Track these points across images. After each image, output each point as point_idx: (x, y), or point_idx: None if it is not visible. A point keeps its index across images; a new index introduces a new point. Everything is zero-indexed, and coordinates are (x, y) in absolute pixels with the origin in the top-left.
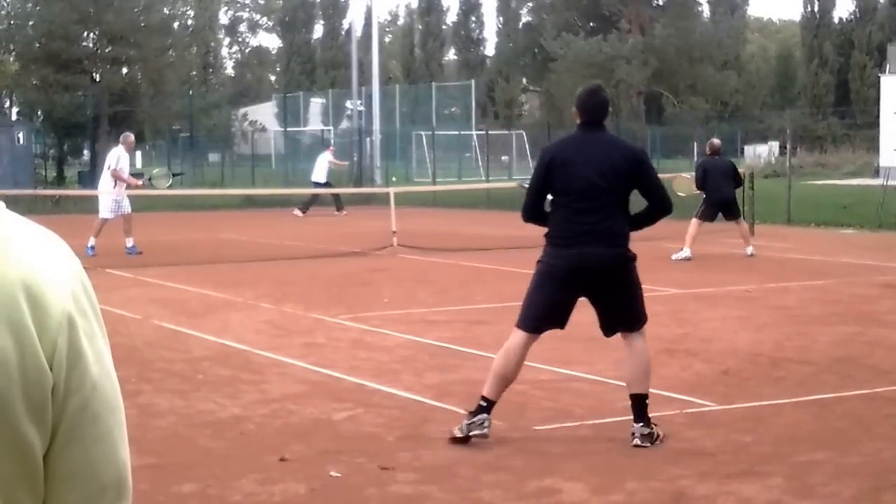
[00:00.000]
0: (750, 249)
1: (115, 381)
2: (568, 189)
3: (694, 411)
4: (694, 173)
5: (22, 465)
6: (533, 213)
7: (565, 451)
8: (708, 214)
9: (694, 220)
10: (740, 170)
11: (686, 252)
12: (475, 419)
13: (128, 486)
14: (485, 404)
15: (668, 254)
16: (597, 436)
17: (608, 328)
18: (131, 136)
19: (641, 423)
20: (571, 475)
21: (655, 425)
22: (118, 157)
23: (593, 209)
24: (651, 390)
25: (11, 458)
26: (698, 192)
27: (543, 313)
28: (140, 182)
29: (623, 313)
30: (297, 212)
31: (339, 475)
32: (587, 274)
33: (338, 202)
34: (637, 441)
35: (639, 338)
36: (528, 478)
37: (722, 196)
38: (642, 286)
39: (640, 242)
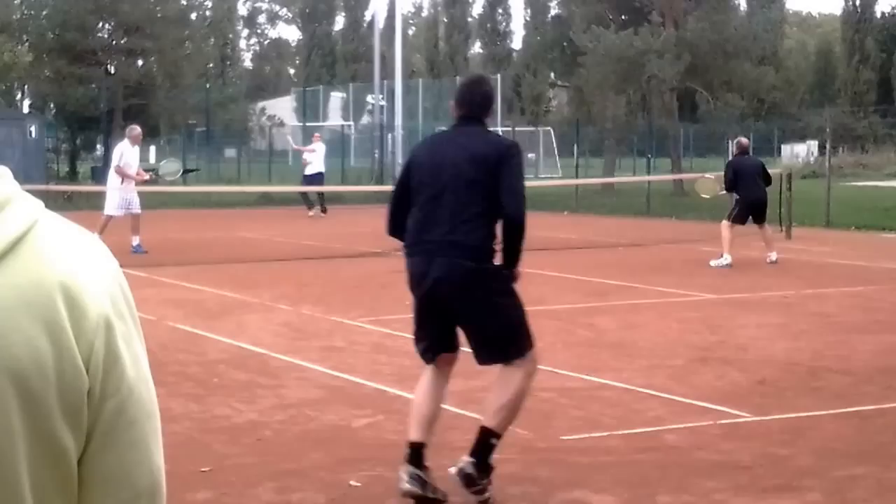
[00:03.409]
0: (773, 255)
1: (151, 385)
2: (420, 192)
3: (729, 422)
4: (722, 174)
5: (56, 469)
6: (392, 224)
7: (594, 463)
8: (741, 217)
9: (726, 224)
10: (776, 170)
11: (727, 259)
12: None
13: (162, 494)
14: (408, 450)
15: (701, 257)
16: (627, 446)
17: (476, 357)
18: (137, 129)
19: (472, 460)
20: (600, 487)
21: (489, 483)
22: (122, 153)
23: (443, 217)
24: (684, 399)
25: (45, 462)
26: (723, 193)
27: (420, 337)
28: (148, 176)
29: (487, 341)
30: (316, 212)
31: (358, 485)
32: (431, 291)
33: (307, 201)
34: (454, 472)
35: (515, 372)
36: (554, 490)
37: (756, 196)
38: (522, 306)
39: (669, 245)
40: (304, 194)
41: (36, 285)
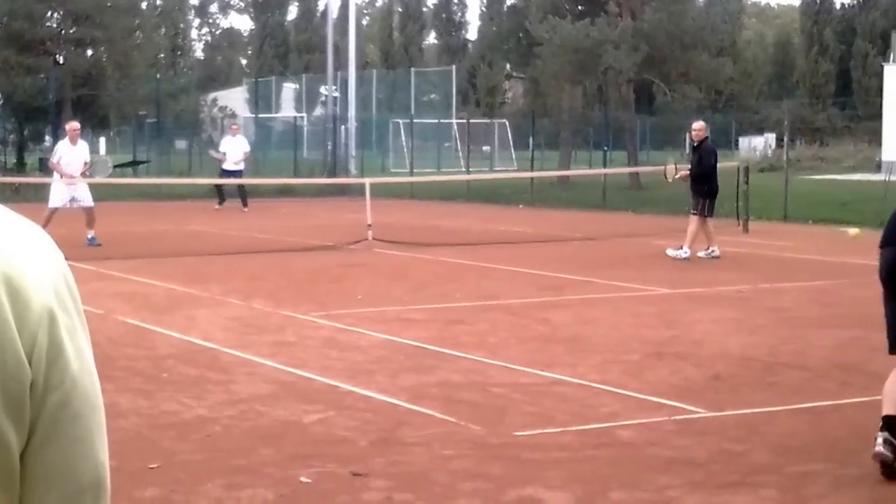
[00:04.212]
0: (716, 250)
1: (95, 379)
2: None
3: (683, 418)
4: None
5: None
6: None
7: (547, 459)
8: (711, 208)
9: (697, 219)
10: (734, 163)
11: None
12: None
13: (107, 490)
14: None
15: (656, 251)
16: (580, 442)
17: None
18: (75, 124)
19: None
20: (553, 484)
21: None
22: (58, 152)
23: None
24: (638, 395)
25: None
26: (678, 178)
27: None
28: (76, 173)
29: None
30: (238, 206)
31: (309, 481)
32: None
33: (220, 194)
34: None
35: None
36: (507, 486)
37: (718, 187)
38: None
39: (625, 239)
40: (218, 187)
41: None
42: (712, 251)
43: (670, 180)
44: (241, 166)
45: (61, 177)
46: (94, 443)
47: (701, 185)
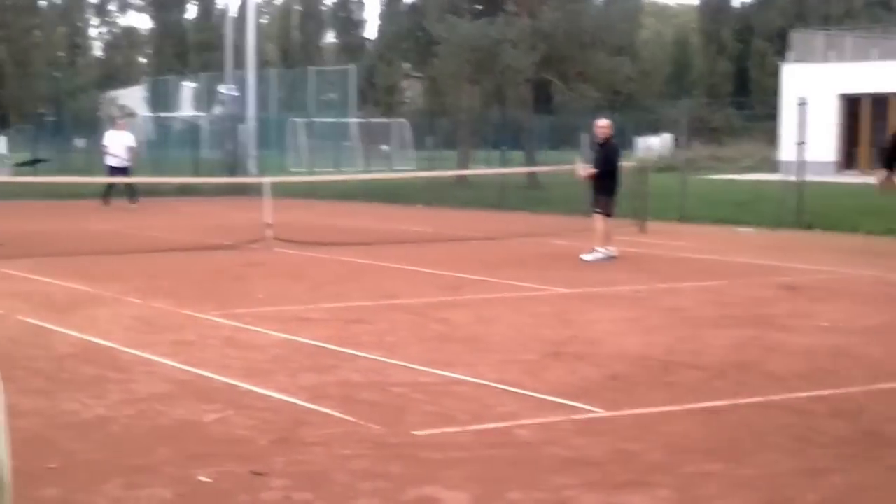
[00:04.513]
0: (610, 250)
1: None
2: None
3: (581, 418)
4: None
5: None
6: None
7: (446, 458)
8: (613, 206)
9: (602, 217)
10: (631, 163)
11: (608, 252)
12: None
13: (7, 490)
14: None
15: (554, 250)
16: (479, 442)
17: None
18: None
19: None
20: (452, 484)
21: None
22: None
23: None
24: (536, 395)
25: None
26: (584, 175)
27: None
28: None
29: None
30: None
31: (208, 480)
32: None
33: (107, 192)
34: None
35: None
36: (406, 485)
37: (619, 185)
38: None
39: (523, 238)
40: (108, 185)
41: None
42: (610, 251)
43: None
44: (126, 163)
45: None
46: None
47: (604, 183)
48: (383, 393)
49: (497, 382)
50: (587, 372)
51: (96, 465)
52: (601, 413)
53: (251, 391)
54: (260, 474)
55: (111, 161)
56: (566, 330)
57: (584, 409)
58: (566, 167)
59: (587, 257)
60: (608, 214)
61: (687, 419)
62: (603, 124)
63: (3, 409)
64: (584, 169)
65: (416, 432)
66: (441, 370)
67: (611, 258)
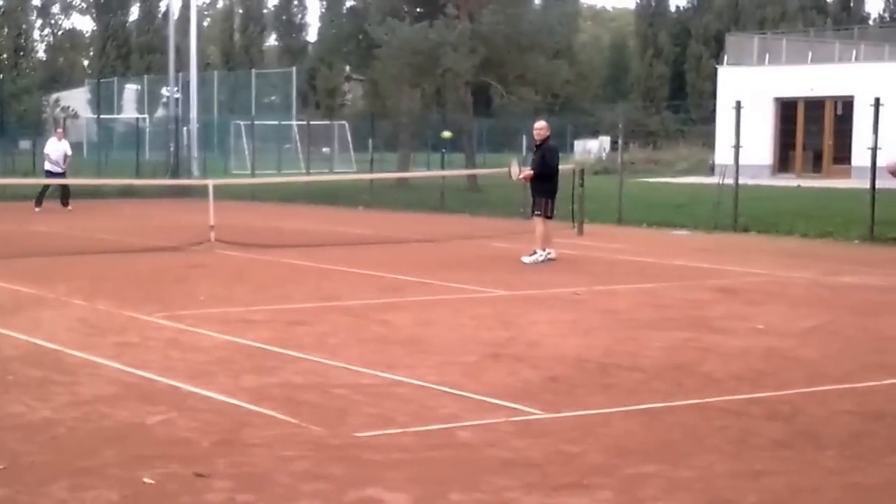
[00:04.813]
0: (549, 252)
1: None
2: None
3: (520, 419)
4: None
5: None
6: None
7: (387, 460)
8: (552, 209)
9: (541, 219)
10: (569, 166)
11: (548, 253)
12: None
13: None
14: None
15: (494, 253)
16: (420, 443)
17: None
18: None
19: None
20: (393, 485)
21: None
22: None
23: None
24: (476, 396)
25: None
26: (521, 179)
27: None
28: None
29: None
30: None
31: (152, 482)
32: None
33: (41, 195)
34: None
35: None
36: (348, 487)
37: (557, 186)
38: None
39: (463, 241)
40: (43, 189)
41: None
42: (549, 253)
43: (514, 179)
44: (63, 168)
45: None
46: None
47: (543, 185)
48: (325, 394)
49: (437, 384)
50: (526, 374)
51: (42, 466)
52: (541, 415)
53: (194, 393)
54: (203, 476)
55: (51, 167)
56: (506, 332)
57: (523, 410)
58: (504, 170)
59: (526, 259)
60: (548, 216)
61: (625, 421)
62: (539, 126)
63: None
64: (519, 171)
65: (357, 434)
66: (382, 372)
67: (550, 260)
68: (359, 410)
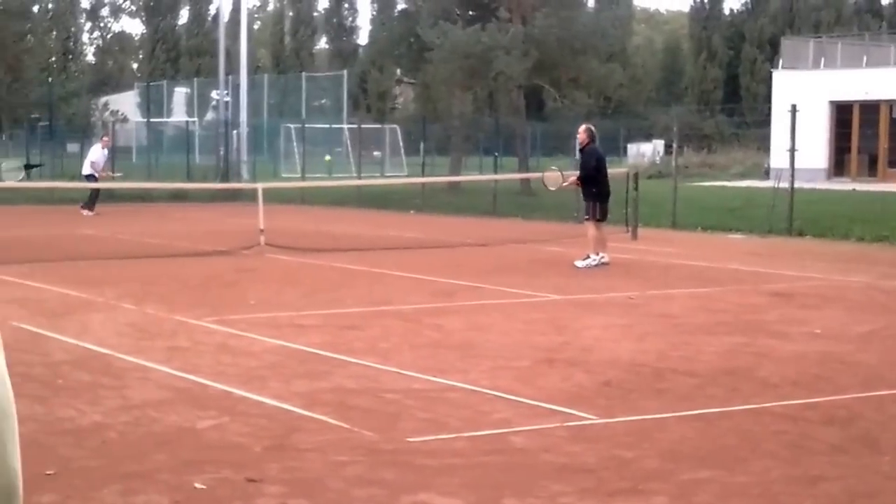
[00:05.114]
0: (606, 257)
1: (8, 385)
2: None
3: (575, 424)
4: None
5: None
6: None
7: (440, 465)
8: (605, 213)
9: (592, 223)
10: (623, 169)
11: (602, 257)
12: None
13: (18, 496)
14: None
15: (547, 257)
16: (473, 449)
17: None
18: None
19: None
20: (446, 490)
21: None
22: None
23: None
24: (530, 401)
25: None
26: (566, 185)
27: None
28: None
29: None
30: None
31: (203, 487)
32: None
33: (92, 201)
34: None
35: None
36: (400, 492)
37: (609, 191)
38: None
39: (515, 245)
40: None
41: None
42: (602, 257)
43: (553, 188)
44: (99, 174)
45: None
46: (6, 448)
47: (589, 189)
48: (377, 399)
49: (490, 389)
50: (580, 378)
51: (93, 471)
52: (595, 420)
53: (246, 398)
54: (255, 481)
55: (94, 172)
56: (559, 336)
57: (577, 415)
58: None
59: (580, 264)
60: (598, 220)
61: (680, 426)
62: (580, 131)
63: (14, 420)
64: (563, 179)
65: (410, 439)
66: (434, 377)
67: (603, 265)
68: (411, 415)
